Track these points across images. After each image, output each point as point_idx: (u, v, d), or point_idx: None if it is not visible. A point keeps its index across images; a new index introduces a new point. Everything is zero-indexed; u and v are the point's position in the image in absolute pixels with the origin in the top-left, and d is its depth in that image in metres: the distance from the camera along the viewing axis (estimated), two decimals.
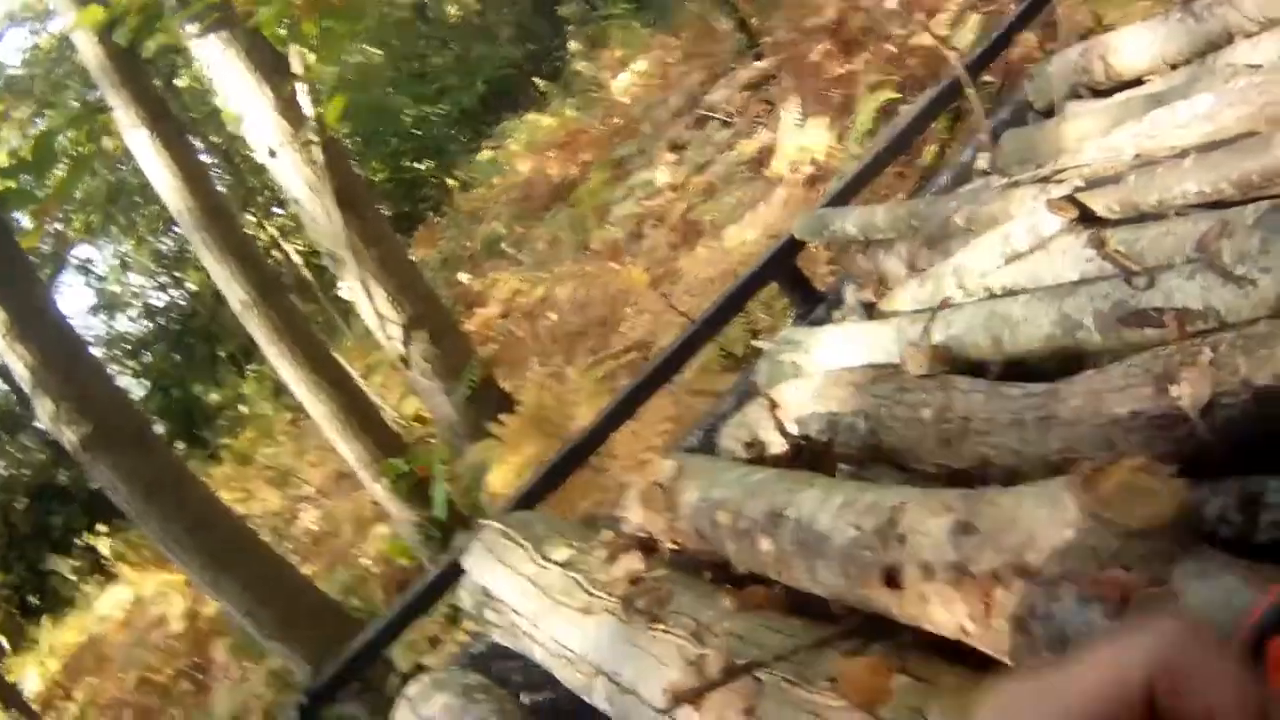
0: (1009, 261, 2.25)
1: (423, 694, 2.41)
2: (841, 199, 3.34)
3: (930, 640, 1.43)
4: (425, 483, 7.15)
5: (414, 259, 10.56)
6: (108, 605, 13.53)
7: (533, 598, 2.18)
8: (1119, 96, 2.71)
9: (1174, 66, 2.63)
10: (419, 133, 19.29)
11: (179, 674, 10.93)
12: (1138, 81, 2.74)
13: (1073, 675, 0.63)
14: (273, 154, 7.54)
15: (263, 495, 12.79)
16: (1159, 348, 1.60)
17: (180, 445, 16.17)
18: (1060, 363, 1.91)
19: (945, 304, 2.32)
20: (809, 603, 1.71)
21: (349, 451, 8.00)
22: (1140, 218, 2.00)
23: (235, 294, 7.97)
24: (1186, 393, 1.44)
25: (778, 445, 2.08)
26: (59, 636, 14.19)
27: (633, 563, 1.97)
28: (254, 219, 16.51)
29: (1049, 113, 3.01)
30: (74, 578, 15.58)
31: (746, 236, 7.08)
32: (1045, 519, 1.19)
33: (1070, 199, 2.09)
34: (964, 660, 1.38)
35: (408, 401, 9.79)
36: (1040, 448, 1.71)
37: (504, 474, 5.78)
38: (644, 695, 1.75)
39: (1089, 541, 1.12)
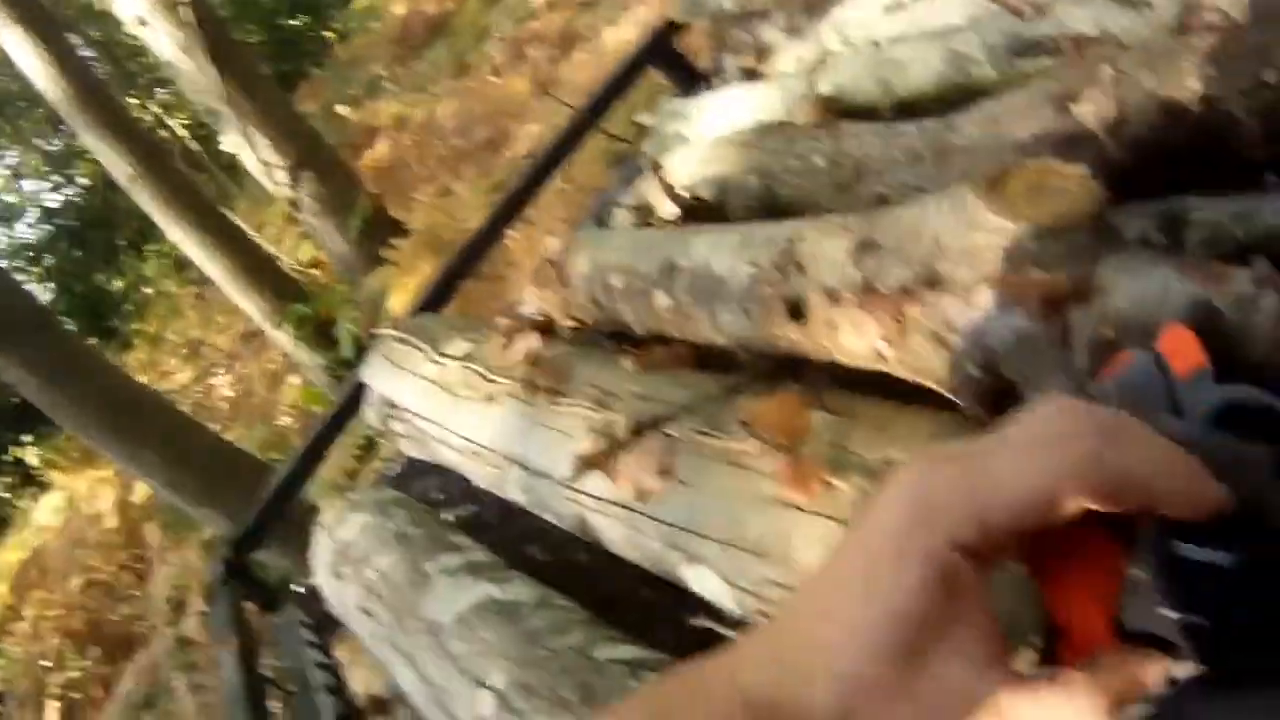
0: (890, 11, 2.18)
1: (338, 518, 2.35)
2: None
3: (846, 376, 1.38)
4: (329, 325, 7.10)
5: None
6: (44, 515, 13.42)
7: (435, 397, 2.11)
8: None
9: None
10: None
11: (120, 568, 10.90)
12: None
13: (997, 468, 0.59)
14: (143, 23, 7.54)
15: (177, 371, 12.68)
16: (1058, 71, 1.54)
17: (92, 340, 15.96)
18: (953, 105, 1.83)
19: (827, 56, 2.24)
20: (713, 356, 1.66)
21: (252, 307, 7.95)
22: None
23: (121, 170, 7.87)
24: (1090, 110, 1.37)
25: (668, 211, 2.00)
26: (1, 558, 14.08)
27: (530, 342, 1.90)
28: (136, 100, 16.15)
29: None
30: (7, 495, 15.43)
31: (625, 37, 6.96)
32: (951, 225, 1.12)
33: None
34: (882, 393, 1.33)
35: (303, 248, 9.66)
36: (938, 181, 1.63)
37: (403, 297, 5.71)
38: (556, 475, 1.69)
39: (1001, 243, 1.06)
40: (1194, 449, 0.72)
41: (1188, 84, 1.25)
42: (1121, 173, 1.35)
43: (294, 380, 9.07)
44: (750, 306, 1.41)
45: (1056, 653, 0.71)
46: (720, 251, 1.50)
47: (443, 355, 2.13)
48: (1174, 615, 0.67)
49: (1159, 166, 1.35)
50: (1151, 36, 1.50)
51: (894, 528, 0.58)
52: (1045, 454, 0.59)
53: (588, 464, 1.41)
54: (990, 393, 1.15)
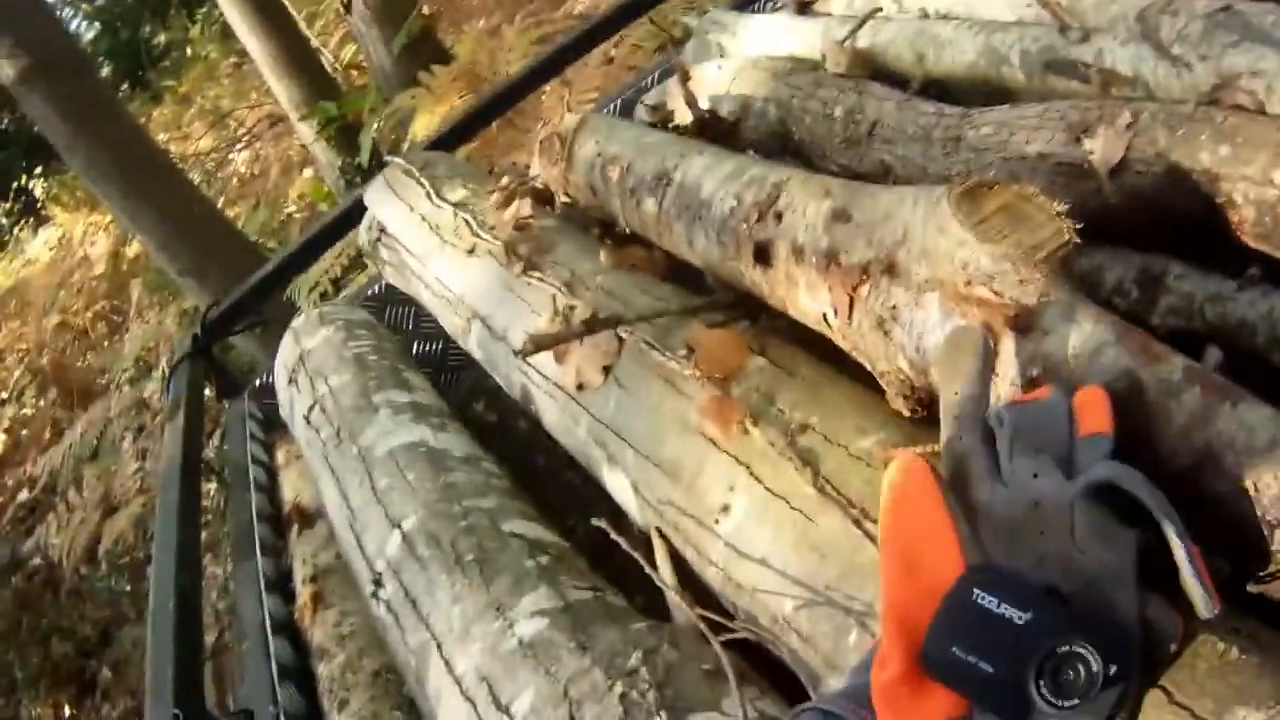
0: None
1: (308, 326, 2.41)
2: None
3: (797, 334, 1.42)
4: (354, 129, 7.07)
5: None
6: (37, 248, 13.41)
7: (424, 235, 2.16)
8: None
9: None
10: None
11: (97, 316, 10.89)
12: None
13: None
14: None
15: (198, 137, 12.58)
16: (1080, 100, 1.56)
17: (125, 88, 15.78)
18: (979, 97, 1.86)
19: (876, 11, 2.26)
20: (685, 273, 1.70)
21: (283, 93, 7.87)
22: None
23: None
24: (1099, 148, 1.41)
25: (685, 117, 2.03)
26: None
27: (523, 208, 1.94)
28: None
29: None
30: (4, 222, 15.36)
31: None
32: (921, 222, 1.14)
33: None
34: (827, 356, 1.37)
35: (347, 49, 9.56)
36: (941, 167, 1.68)
37: (429, 122, 5.65)
38: (512, 341, 1.75)
39: (961, 253, 1.08)
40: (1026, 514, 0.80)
41: (1199, 155, 1.28)
42: (1113, 217, 1.40)
43: (308, 174, 9.04)
44: (725, 238, 1.45)
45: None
46: (712, 175, 1.53)
47: (441, 198, 2.17)
48: (963, 656, 0.73)
49: (1150, 222, 1.39)
50: (1181, 95, 1.52)
51: None
52: None
53: (538, 344, 1.46)
54: (914, 391, 1.20)
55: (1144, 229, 1.40)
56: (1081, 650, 0.70)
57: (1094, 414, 0.87)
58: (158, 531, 2.16)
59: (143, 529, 6.21)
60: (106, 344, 10.25)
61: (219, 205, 8.76)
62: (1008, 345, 1.03)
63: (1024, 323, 1.03)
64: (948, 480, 0.87)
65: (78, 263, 11.92)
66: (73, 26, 13.71)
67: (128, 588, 6.28)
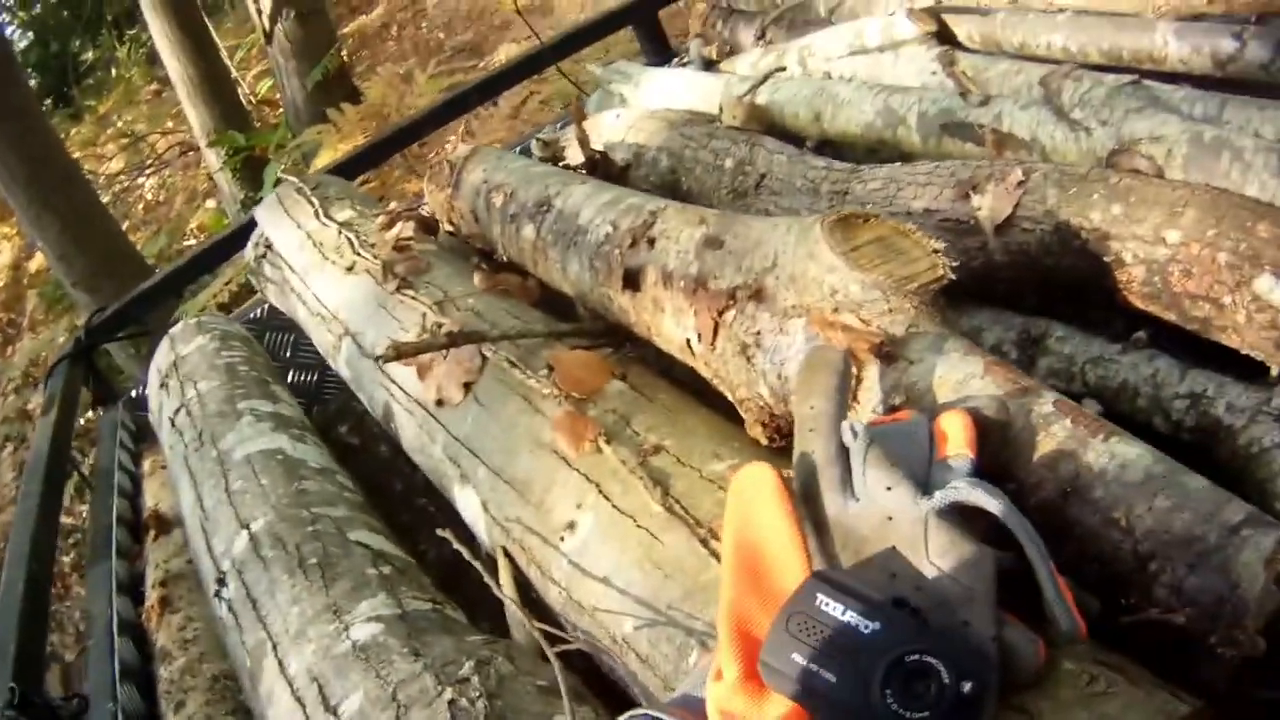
0: (854, 54, 2.25)
1: (184, 333, 2.39)
2: None
3: (661, 366, 1.45)
4: (260, 163, 7.05)
5: None
6: None
7: (307, 252, 2.15)
8: None
9: None
10: None
11: None
12: None
13: None
14: None
15: (110, 158, 12.45)
16: (972, 160, 1.58)
17: (48, 102, 15.61)
18: (873, 158, 1.89)
19: (779, 70, 2.30)
20: (557, 304, 1.72)
21: (196, 118, 7.86)
22: (996, 53, 2.01)
23: None
24: (987, 204, 1.41)
25: (576, 158, 2.05)
26: None
27: (405, 230, 1.94)
28: None
29: None
30: None
31: None
32: (792, 248, 1.16)
33: (934, 13, 2.09)
34: (688, 388, 1.39)
35: (264, 83, 9.56)
36: None
37: (332, 158, 5.67)
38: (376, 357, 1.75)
39: (831, 280, 1.09)
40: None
41: (1090, 213, 1.29)
42: (997, 276, 1.41)
43: (210, 204, 8.98)
44: (598, 264, 1.46)
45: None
46: (591, 203, 1.55)
47: (328, 216, 2.17)
48: (804, 664, 0.71)
49: (1036, 281, 1.40)
50: (1078, 159, 1.56)
51: None
52: None
53: (400, 351, 1.46)
54: (772, 419, 1.20)
55: (1030, 288, 1.41)
56: (932, 662, 0.68)
57: (955, 436, 0.87)
58: (17, 518, 2.16)
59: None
60: None
61: (124, 228, 8.67)
62: (871, 373, 1.04)
63: (889, 351, 1.05)
64: (798, 491, 0.86)
65: None
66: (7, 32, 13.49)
67: None
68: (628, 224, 1.45)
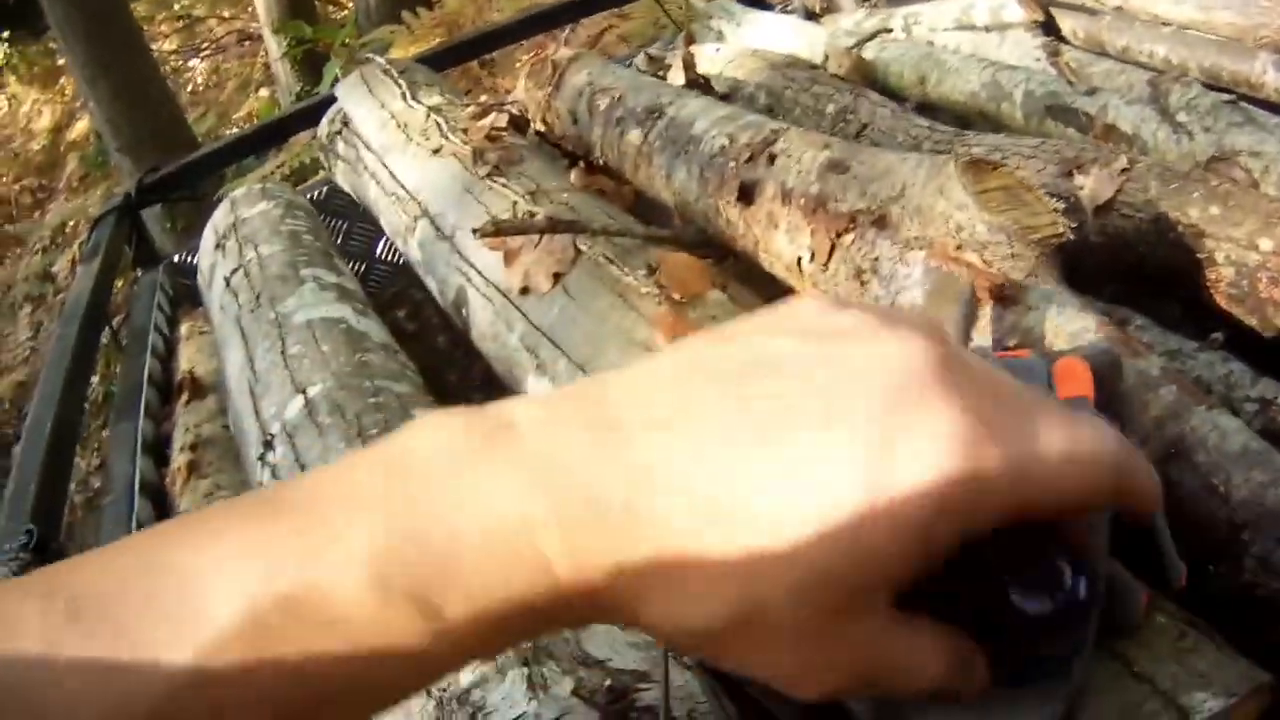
0: (961, 28, 2.22)
1: (248, 197, 2.35)
2: None
3: (759, 290, 1.39)
4: (322, 58, 6.97)
5: None
6: None
7: (390, 132, 2.10)
8: None
9: None
10: None
11: (24, 188, 10.74)
12: None
13: (1051, 459, 0.48)
14: None
15: (167, 37, 12.44)
16: (1077, 142, 1.57)
17: None
18: (970, 129, 1.86)
19: (887, 31, 2.27)
20: (653, 213, 1.68)
21: (263, 4, 7.77)
22: (1099, 53, 2.00)
23: None
24: (1090, 185, 1.38)
25: (678, 80, 2.00)
26: None
27: (499, 120, 1.90)
28: None
29: None
30: None
31: None
32: (921, 182, 1.13)
33: (1043, 3, 2.08)
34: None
35: None
36: None
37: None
38: (459, 242, 1.70)
39: (959, 218, 1.06)
40: None
41: (1188, 209, 1.27)
42: (1087, 259, 1.37)
43: (264, 93, 8.94)
44: (709, 174, 1.42)
45: None
46: (706, 116, 1.51)
47: (416, 99, 2.13)
48: None
49: (1124, 269, 1.37)
50: (1178, 160, 1.53)
51: (929, 501, 0.45)
52: (1094, 451, 0.51)
53: (499, 226, 1.41)
54: None
55: (1119, 274, 1.38)
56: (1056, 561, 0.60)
57: (1074, 380, 0.81)
58: (49, 362, 2.12)
59: (20, 403, 6.08)
60: (26, 214, 10.09)
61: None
62: (987, 313, 1.02)
63: (1010, 293, 1.02)
64: None
65: (18, 131, 11.76)
66: None
67: None
68: (746, 138, 1.40)
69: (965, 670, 0.55)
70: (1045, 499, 0.48)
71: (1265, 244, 1.18)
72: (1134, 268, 1.37)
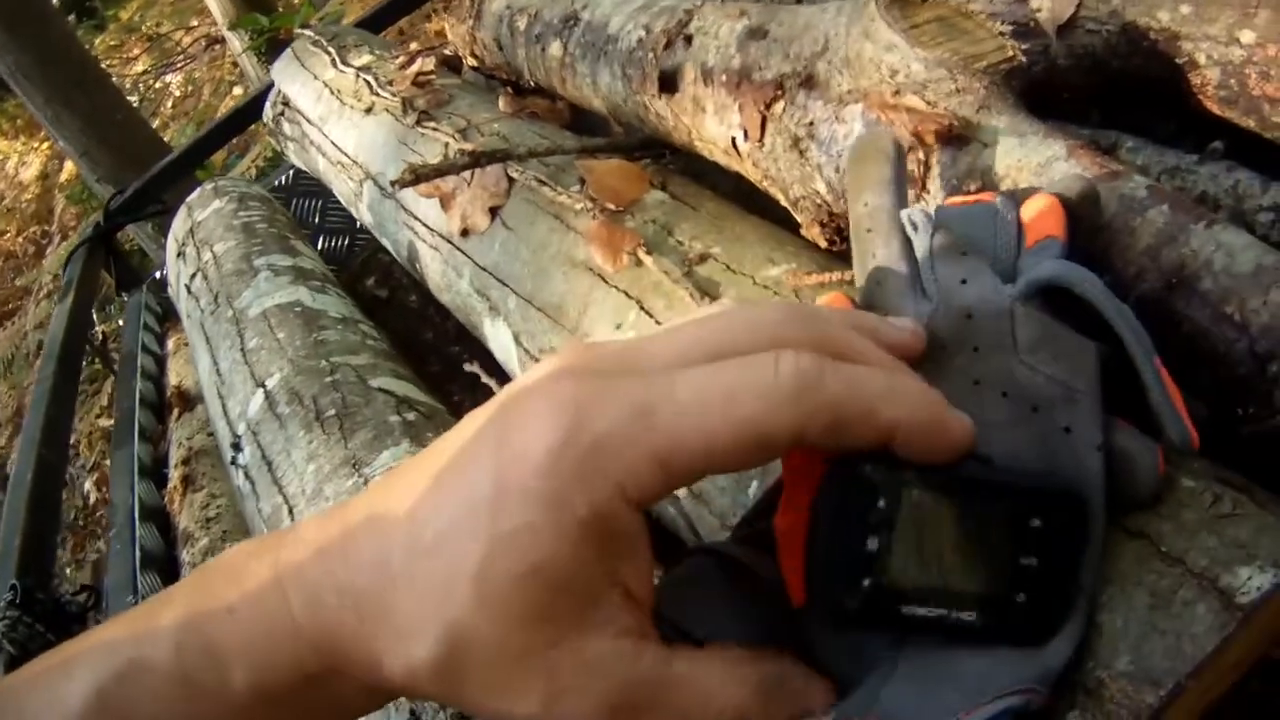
0: None
1: (201, 199, 2.29)
2: None
3: (700, 173, 1.33)
4: (285, 44, 6.89)
5: None
6: None
7: (325, 102, 2.02)
8: None
9: None
10: None
11: (26, 239, 10.84)
12: None
13: (687, 401, 0.48)
14: None
15: (137, 58, 12.46)
16: None
17: (70, 18, 15.63)
18: None
19: None
20: (589, 128, 1.61)
21: (217, 6, 7.72)
22: None
23: None
24: (1046, 5, 1.29)
25: None
26: None
27: (425, 65, 1.81)
28: None
29: None
30: None
31: None
32: (845, 26, 1.04)
33: None
34: (733, 199, 1.26)
35: None
36: None
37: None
38: (401, 196, 1.62)
39: (890, 60, 0.97)
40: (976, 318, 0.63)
41: (1157, 13, 1.15)
42: (1060, 83, 1.30)
43: (238, 92, 8.91)
44: (631, 70, 1.33)
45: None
46: (620, 11, 1.41)
47: (345, 63, 2.04)
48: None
49: (1103, 86, 1.26)
50: None
51: (545, 465, 0.47)
52: (748, 381, 0.49)
53: (417, 173, 1.32)
54: (831, 219, 1.08)
55: (1095, 94, 1.26)
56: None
57: (1043, 220, 0.72)
58: (31, 407, 2.09)
59: None
60: (32, 262, 10.16)
61: (153, 126, 8.62)
62: (938, 159, 0.92)
63: (959, 133, 0.92)
64: (861, 304, 0.72)
65: (10, 186, 11.89)
66: None
67: None
68: (661, 25, 1.31)
69: (775, 696, 0.52)
70: (691, 442, 0.48)
71: (1246, 36, 1.06)
72: (1112, 86, 1.26)
